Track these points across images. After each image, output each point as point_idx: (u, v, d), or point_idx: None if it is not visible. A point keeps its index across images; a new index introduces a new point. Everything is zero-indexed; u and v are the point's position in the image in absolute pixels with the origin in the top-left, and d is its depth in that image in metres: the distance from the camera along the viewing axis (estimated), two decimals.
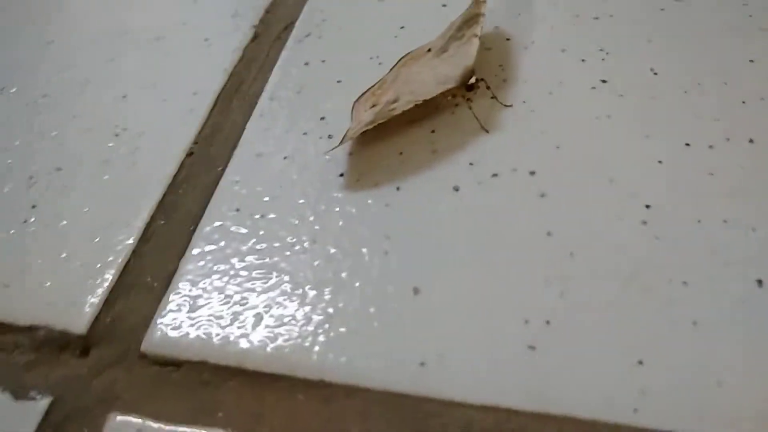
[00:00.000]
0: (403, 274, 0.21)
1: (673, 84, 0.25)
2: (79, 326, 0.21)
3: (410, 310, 0.20)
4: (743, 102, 0.24)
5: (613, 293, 0.20)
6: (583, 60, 0.27)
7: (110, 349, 0.21)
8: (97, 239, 0.23)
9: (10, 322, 0.21)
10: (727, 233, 0.21)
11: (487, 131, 0.25)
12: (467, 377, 0.18)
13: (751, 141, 0.23)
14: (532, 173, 0.23)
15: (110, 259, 0.22)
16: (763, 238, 0.20)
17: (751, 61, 0.26)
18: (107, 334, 0.21)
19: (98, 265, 0.22)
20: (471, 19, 0.26)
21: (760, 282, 0.19)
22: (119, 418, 0.19)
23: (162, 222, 0.23)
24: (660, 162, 0.23)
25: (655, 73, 0.26)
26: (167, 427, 0.18)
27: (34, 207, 0.24)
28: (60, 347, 0.21)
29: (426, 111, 0.25)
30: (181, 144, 0.26)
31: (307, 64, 0.29)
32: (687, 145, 0.23)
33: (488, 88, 0.25)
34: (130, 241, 0.23)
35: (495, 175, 0.23)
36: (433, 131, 0.25)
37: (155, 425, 0.18)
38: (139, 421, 0.19)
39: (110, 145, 0.26)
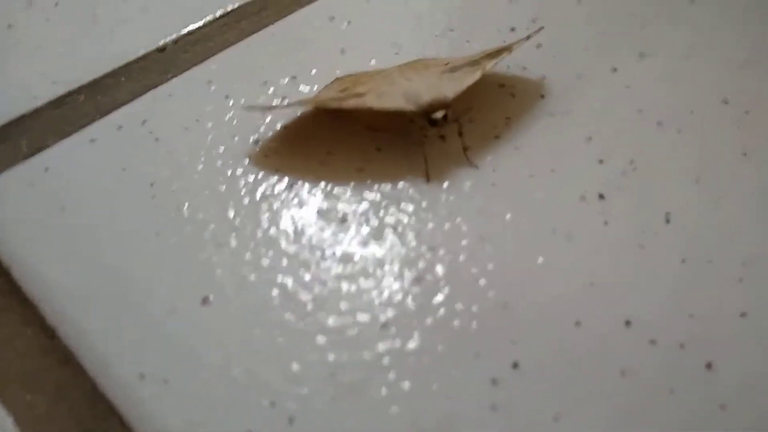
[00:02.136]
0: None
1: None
2: None
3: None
4: None
5: None
6: (601, 161, 0.22)
7: None
8: None
9: None
10: None
11: (428, 181, 0.22)
12: None
13: None
14: (429, 251, 0.20)
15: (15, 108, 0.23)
16: None
17: None
18: None
19: None
20: (501, 51, 0.23)
21: None
22: None
23: None
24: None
25: (668, 221, 0.21)
26: None
27: None
28: None
29: (391, 123, 0.22)
30: None
31: (332, 18, 0.26)
32: None
33: (460, 134, 0.22)
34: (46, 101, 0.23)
35: (391, 230, 0.20)
36: (378, 149, 0.22)
37: None
38: None
39: None
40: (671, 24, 0.26)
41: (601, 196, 0.21)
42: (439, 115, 0.21)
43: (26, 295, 0.19)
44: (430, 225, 0.20)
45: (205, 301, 0.19)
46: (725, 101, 0.24)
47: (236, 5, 0.27)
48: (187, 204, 0.21)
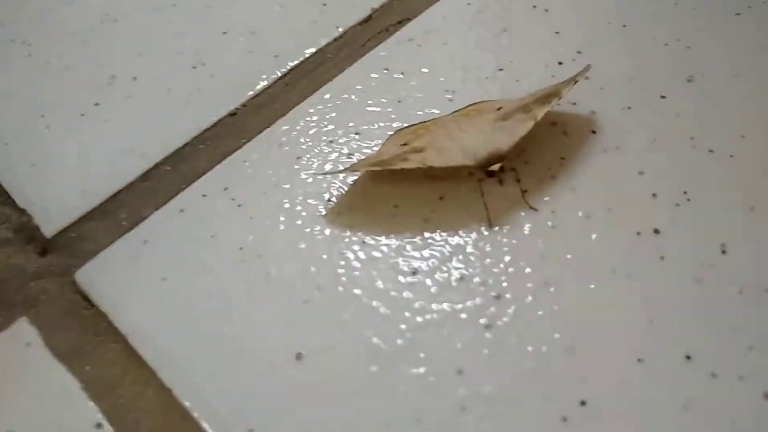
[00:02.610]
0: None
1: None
2: (48, 230, 0.25)
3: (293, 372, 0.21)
4: None
5: None
6: (654, 195, 0.23)
7: (60, 261, 0.24)
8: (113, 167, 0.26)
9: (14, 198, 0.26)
10: None
11: (490, 227, 0.23)
12: None
13: None
14: (497, 297, 0.22)
15: (111, 185, 0.25)
16: None
17: None
18: (66, 246, 0.24)
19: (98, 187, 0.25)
20: (551, 96, 0.24)
21: None
22: (22, 325, 0.23)
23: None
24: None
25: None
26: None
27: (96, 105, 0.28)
28: (27, 239, 0.25)
29: (451, 172, 0.24)
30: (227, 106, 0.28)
31: (386, 70, 0.28)
32: None
33: (518, 180, 0.23)
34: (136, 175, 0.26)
35: (459, 279, 0.22)
36: (441, 198, 0.24)
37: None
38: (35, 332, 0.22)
39: None
40: (717, 42, 0.27)
41: (656, 231, 0.22)
42: (495, 167, 0.23)
43: (143, 359, 0.22)
44: (495, 271, 0.22)
45: (299, 357, 0.21)
46: None
47: (294, 63, 0.29)
48: (273, 265, 0.23)
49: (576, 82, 0.24)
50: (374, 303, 0.22)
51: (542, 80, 0.27)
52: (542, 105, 0.24)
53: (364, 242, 0.23)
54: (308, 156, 0.26)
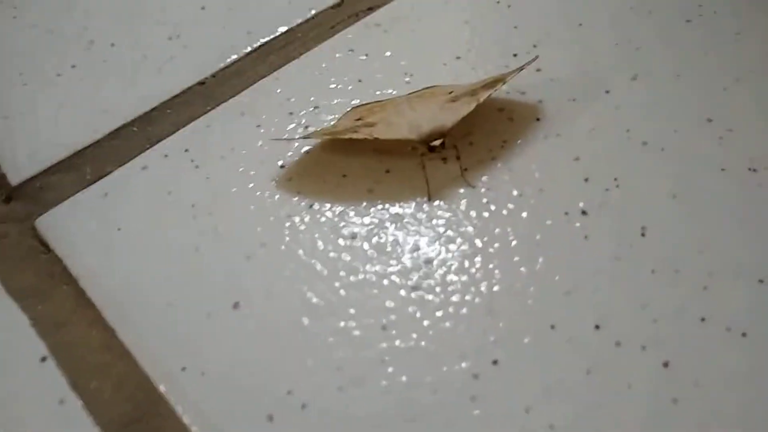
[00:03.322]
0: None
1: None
2: (14, 178, 0.26)
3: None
4: None
5: None
6: (586, 179, 0.25)
7: (23, 208, 0.26)
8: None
9: None
10: None
11: (429, 200, 0.25)
12: None
13: None
14: (427, 262, 0.23)
15: (79, 141, 0.27)
16: None
17: None
18: (30, 194, 0.26)
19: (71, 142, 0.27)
20: (496, 81, 0.26)
21: None
22: None
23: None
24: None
25: (642, 235, 0.23)
26: None
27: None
28: None
29: (398, 147, 0.25)
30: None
31: (351, 51, 0.30)
32: None
33: (458, 157, 0.25)
34: (104, 133, 0.27)
35: (394, 244, 0.24)
36: (387, 171, 0.26)
37: None
38: None
39: None
40: (665, 45, 0.29)
41: (584, 213, 0.24)
42: (436, 142, 0.24)
43: (91, 301, 0.24)
44: (427, 239, 0.24)
45: (236, 305, 0.23)
46: (709, 119, 0.26)
47: (265, 39, 0.30)
48: (221, 223, 0.25)
49: (521, 70, 0.26)
50: (313, 261, 0.24)
51: (496, 69, 0.28)
52: (487, 89, 0.25)
53: (311, 207, 0.25)
54: (268, 125, 0.27)
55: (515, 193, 0.25)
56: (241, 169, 0.26)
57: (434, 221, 0.24)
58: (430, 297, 0.22)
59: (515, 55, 0.29)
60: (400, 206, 0.25)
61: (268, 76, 0.29)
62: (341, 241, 0.24)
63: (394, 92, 0.28)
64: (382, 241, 0.24)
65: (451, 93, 0.26)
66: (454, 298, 0.22)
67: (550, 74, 0.28)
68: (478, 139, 0.26)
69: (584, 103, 0.27)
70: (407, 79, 0.29)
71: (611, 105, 0.27)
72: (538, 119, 0.27)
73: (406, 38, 0.30)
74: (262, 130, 0.27)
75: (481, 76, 0.28)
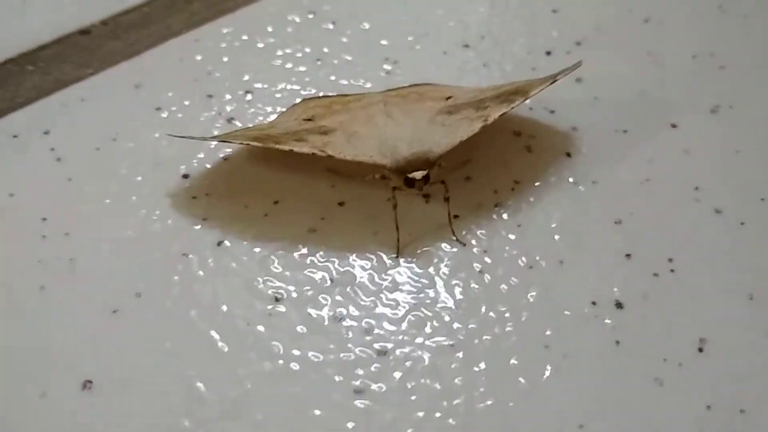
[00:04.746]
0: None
1: None
2: None
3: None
4: None
5: None
6: (628, 255, 0.23)
7: None
8: None
9: None
10: None
11: (396, 256, 0.23)
12: None
13: None
14: (381, 354, 0.21)
15: None
16: None
17: None
18: None
19: None
20: (517, 92, 0.24)
21: None
22: None
23: None
24: None
25: None
26: None
27: None
28: None
29: (361, 169, 0.23)
30: None
31: (313, 14, 0.28)
32: None
33: (446, 198, 0.23)
34: None
35: (335, 320, 0.22)
36: (340, 204, 0.24)
37: None
38: None
39: None
40: (764, 65, 0.27)
41: (619, 305, 0.22)
42: (418, 174, 0.22)
43: None
44: (387, 319, 0.22)
45: (85, 386, 0.21)
46: None
47: None
48: (80, 254, 0.23)
49: (555, 80, 0.24)
50: (210, 331, 0.22)
51: (519, 71, 0.27)
52: (501, 103, 0.24)
53: (219, 244, 0.23)
54: (172, 109, 0.26)
55: (523, 262, 0.23)
56: (122, 172, 0.24)
57: (400, 291, 0.22)
58: (381, 408, 0.20)
59: (549, 54, 0.28)
60: (353, 260, 0.23)
61: (185, 34, 0.28)
62: (257, 305, 0.22)
63: (368, 85, 0.27)
64: (320, 312, 0.22)
65: (448, 99, 0.25)
66: (419, 414, 0.20)
67: (594, 89, 0.27)
68: (479, 173, 0.25)
69: (639, 138, 0.26)
70: (387, 66, 0.27)
71: (678, 146, 0.25)
72: (568, 154, 0.25)
73: (397, 5, 0.29)
74: (163, 115, 0.26)
75: (495, 79, 0.27)
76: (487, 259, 0.23)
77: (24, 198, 0.24)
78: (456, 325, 0.22)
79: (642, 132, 0.26)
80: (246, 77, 0.26)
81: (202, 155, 0.25)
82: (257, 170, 0.24)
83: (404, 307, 0.22)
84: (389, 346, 0.21)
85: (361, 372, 0.21)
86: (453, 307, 0.22)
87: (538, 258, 0.23)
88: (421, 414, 0.20)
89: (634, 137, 0.26)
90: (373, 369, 0.21)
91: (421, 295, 0.22)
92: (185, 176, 0.24)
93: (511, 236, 0.23)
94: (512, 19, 0.28)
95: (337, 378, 0.21)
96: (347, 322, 0.22)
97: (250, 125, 0.25)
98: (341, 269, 0.23)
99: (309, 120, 0.25)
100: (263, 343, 0.21)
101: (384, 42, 0.27)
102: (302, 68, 0.27)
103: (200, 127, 0.25)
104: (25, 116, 0.25)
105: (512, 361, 0.21)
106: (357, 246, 0.23)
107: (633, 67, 0.27)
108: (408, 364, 0.21)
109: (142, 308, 0.22)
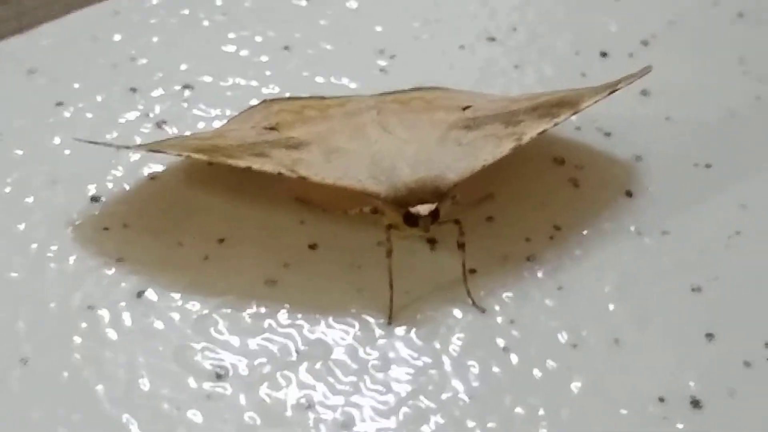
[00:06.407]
0: None
1: None
2: None
3: None
4: None
5: None
6: (709, 336, 0.24)
7: None
8: None
9: None
10: None
11: (388, 323, 0.23)
12: None
13: None
14: None
15: None
16: None
17: None
18: None
19: None
20: (562, 104, 0.25)
21: None
22: None
23: None
24: None
25: None
26: None
27: None
28: None
29: (342, 199, 0.24)
30: None
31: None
32: None
33: (460, 245, 0.23)
34: None
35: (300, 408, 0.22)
36: (311, 246, 0.24)
37: None
38: None
39: None
40: None
41: (696, 404, 0.23)
42: (422, 210, 0.22)
43: None
44: (372, 414, 0.22)
45: None
46: None
47: None
48: None
49: (615, 90, 0.25)
50: (125, 419, 0.22)
51: (562, 77, 0.28)
52: (539, 118, 0.24)
53: (139, 295, 0.23)
54: (79, 106, 0.26)
55: (564, 338, 0.23)
56: (7, 190, 0.25)
57: (393, 371, 0.23)
58: None
59: (604, 55, 0.29)
60: (327, 326, 0.23)
61: (99, 3, 0.28)
62: (192, 382, 0.22)
63: (353, 85, 0.27)
64: (279, 396, 0.22)
65: (466, 109, 0.26)
66: None
67: (665, 106, 0.27)
68: (505, 212, 0.25)
69: (727, 176, 0.26)
70: (381, 62, 0.28)
71: None
72: (629, 194, 0.26)
73: None
74: (66, 114, 0.26)
75: (530, 85, 0.27)
76: (515, 333, 0.23)
77: None
78: (470, 423, 0.22)
79: (731, 167, 0.26)
80: (184, 66, 0.27)
81: (119, 171, 0.25)
82: (196, 195, 0.25)
83: (398, 394, 0.22)
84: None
85: None
86: (466, 398, 0.22)
87: (585, 334, 0.23)
88: None
89: (721, 174, 0.26)
90: None
91: (422, 379, 0.23)
92: (95, 199, 0.25)
93: (549, 302, 0.24)
94: (556, 5, 0.29)
95: None
96: (317, 412, 0.22)
97: (189, 132, 0.26)
98: (310, 337, 0.23)
99: (272, 129, 0.25)
100: None
101: (378, 28, 0.28)
102: (263, 58, 0.27)
103: (118, 131, 0.26)
104: None
105: None
106: (333, 306, 0.23)
107: (719, 78, 0.28)
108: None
109: (27, 381, 0.22)
